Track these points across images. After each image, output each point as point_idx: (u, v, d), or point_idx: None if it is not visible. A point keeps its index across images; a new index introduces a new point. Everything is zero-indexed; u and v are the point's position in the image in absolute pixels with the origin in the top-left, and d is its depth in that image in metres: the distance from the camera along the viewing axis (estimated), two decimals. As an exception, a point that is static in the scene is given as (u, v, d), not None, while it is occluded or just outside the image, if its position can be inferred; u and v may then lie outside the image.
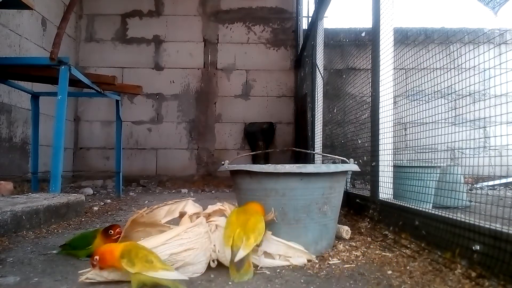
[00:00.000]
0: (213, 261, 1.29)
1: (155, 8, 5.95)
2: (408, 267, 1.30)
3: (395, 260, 1.40)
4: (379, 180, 1.99)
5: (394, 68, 2.01)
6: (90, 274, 1.16)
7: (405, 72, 2.02)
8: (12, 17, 4.04)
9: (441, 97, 1.72)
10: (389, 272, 1.27)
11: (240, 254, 1.18)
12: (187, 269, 1.24)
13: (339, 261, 1.40)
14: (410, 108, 1.90)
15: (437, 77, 1.65)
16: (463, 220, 1.26)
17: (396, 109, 2.01)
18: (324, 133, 3.61)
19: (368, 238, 1.77)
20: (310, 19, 4.63)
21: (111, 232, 1.41)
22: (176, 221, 1.50)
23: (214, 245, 1.30)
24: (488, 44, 1.42)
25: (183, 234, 1.29)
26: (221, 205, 1.50)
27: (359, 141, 2.59)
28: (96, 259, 1.10)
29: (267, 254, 1.36)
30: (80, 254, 1.43)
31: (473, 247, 1.17)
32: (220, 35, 5.98)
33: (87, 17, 5.89)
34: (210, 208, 1.48)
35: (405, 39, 2.36)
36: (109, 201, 3.44)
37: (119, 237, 1.41)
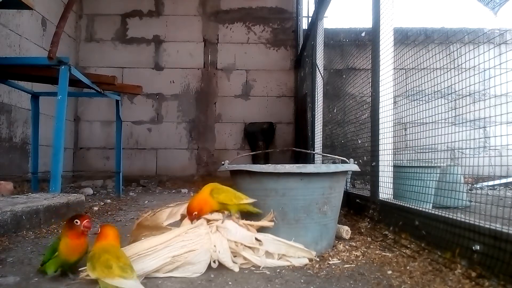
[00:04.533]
0: (214, 261, 1.29)
1: (155, 8, 5.95)
2: (408, 267, 1.30)
3: (395, 260, 1.40)
4: (379, 180, 1.99)
5: (394, 68, 2.01)
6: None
7: (405, 72, 2.02)
8: (12, 17, 4.04)
9: (441, 97, 1.72)
10: (389, 272, 1.27)
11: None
12: (187, 268, 1.24)
13: (339, 261, 1.40)
14: (410, 108, 1.90)
15: (437, 77, 1.65)
16: (463, 220, 1.26)
17: (396, 109, 2.01)
18: (324, 133, 3.61)
19: (368, 238, 1.77)
20: (310, 19, 4.63)
21: (77, 222, 1.17)
22: (177, 224, 1.50)
23: (215, 246, 1.30)
24: (488, 44, 1.42)
25: (184, 235, 1.29)
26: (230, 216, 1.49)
27: (359, 141, 2.59)
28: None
29: (268, 254, 1.37)
30: (47, 268, 1.17)
31: (473, 247, 1.17)
32: (220, 35, 5.97)
33: (87, 17, 5.89)
34: (211, 216, 1.48)
35: (405, 39, 2.36)
36: (109, 201, 3.44)
37: (87, 231, 1.19)
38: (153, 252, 1.23)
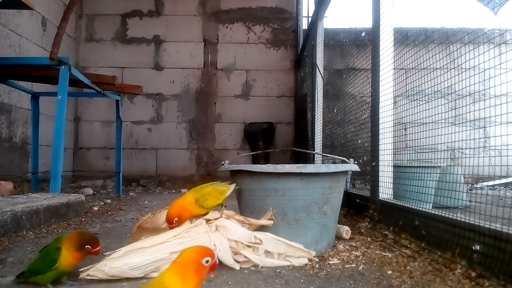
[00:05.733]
0: None
1: (155, 8, 5.95)
2: (408, 267, 1.30)
3: (395, 260, 1.40)
4: (379, 180, 1.99)
5: (394, 68, 2.01)
6: (92, 271, 1.16)
7: (405, 72, 2.02)
8: (12, 17, 4.04)
9: (441, 97, 1.72)
10: (389, 272, 1.27)
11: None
12: (187, 267, 1.24)
13: (339, 261, 1.40)
14: (410, 108, 1.90)
15: (437, 77, 1.65)
16: (463, 220, 1.26)
17: (396, 109, 2.01)
18: (324, 133, 3.61)
19: (368, 238, 1.77)
20: (310, 19, 4.63)
21: (88, 248, 1.14)
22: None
23: (215, 245, 1.30)
24: (488, 44, 1.42)
25: (184, 234, 1.30)
26: (222, 213, 1.50)
27: (359, 141, 2.59)
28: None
29: (268, 254, 1.37)
30: (44, 279, 1.11)
31: (473, 247, 1.17)
32: (220, 35, 5.97)
33: (87, 17, 5.89)
34: (211, 215, 1.48)
35: (405, 39, 2.36)
36: (109, 201, 3.44)
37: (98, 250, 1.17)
38: (152, 246, 1.23)
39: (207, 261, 0.82)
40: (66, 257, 1.11)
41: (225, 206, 1.53)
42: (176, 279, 0.77)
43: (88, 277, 1.15)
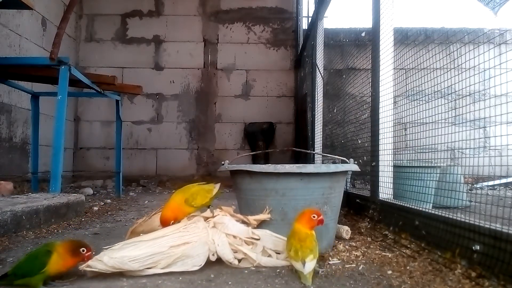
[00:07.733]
0: (213, 254, 1.29)
1: (155, 8, 5.95)
2: (408, 267, 1.30)
3: (395, 260, 1.40)
4: (379, 180, 1.99)
5: (394, 68, 2.01)
6: (91, 262, 1.16)
7: (405, 72, 2.02)
8: (12, 17, 4.04)
9: (441, 97, 1.72)
10: (389, 272, 1.27)
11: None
12: (186, 262, 1.25)
13: (339, 261, 1.40)
14: (410, 108, 1.90)
15: (437, 77, 1.65)
16: (463, 220, 1.26)
17: (396, 109, 2.01)
18: (324, 133, 3.61)
19: (368, 238, 1.77)
20: (310, 19, 4.63)
21: (83, 250, 1.15)
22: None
23: (213, 240, 1.31)
24: (488, 44, 1.42)
25: (182, 229, 1.30)
26: (220, 210, 1.50)
27: (359, 141, 2.59)
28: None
29: (267, 254, 1.37)
30: (33, 282, 1.08)
31: (473, 247, 1.17)
32: (220, 35, 5.98)
33: (87, 17, 5.89)
34: (208, 213, 1.49)
35: (405, 39, 2.36)
36: (109, 201, 3.44)
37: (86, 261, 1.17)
38: (152, 240, 1.24)
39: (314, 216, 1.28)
40: (56, 261, 1.10)
41: (211, 207, 1.55)
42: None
43: (88, 269, 1.15)
